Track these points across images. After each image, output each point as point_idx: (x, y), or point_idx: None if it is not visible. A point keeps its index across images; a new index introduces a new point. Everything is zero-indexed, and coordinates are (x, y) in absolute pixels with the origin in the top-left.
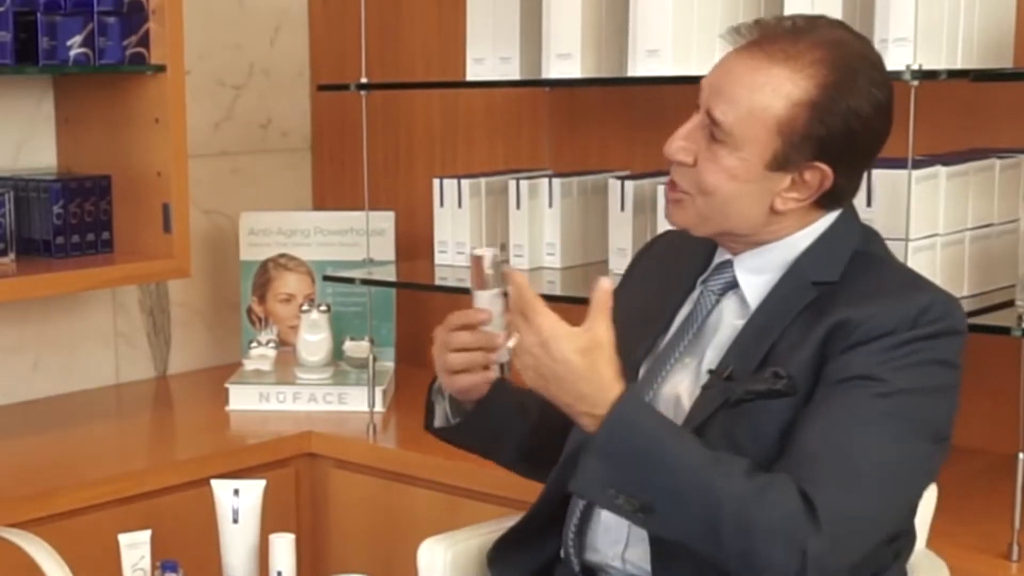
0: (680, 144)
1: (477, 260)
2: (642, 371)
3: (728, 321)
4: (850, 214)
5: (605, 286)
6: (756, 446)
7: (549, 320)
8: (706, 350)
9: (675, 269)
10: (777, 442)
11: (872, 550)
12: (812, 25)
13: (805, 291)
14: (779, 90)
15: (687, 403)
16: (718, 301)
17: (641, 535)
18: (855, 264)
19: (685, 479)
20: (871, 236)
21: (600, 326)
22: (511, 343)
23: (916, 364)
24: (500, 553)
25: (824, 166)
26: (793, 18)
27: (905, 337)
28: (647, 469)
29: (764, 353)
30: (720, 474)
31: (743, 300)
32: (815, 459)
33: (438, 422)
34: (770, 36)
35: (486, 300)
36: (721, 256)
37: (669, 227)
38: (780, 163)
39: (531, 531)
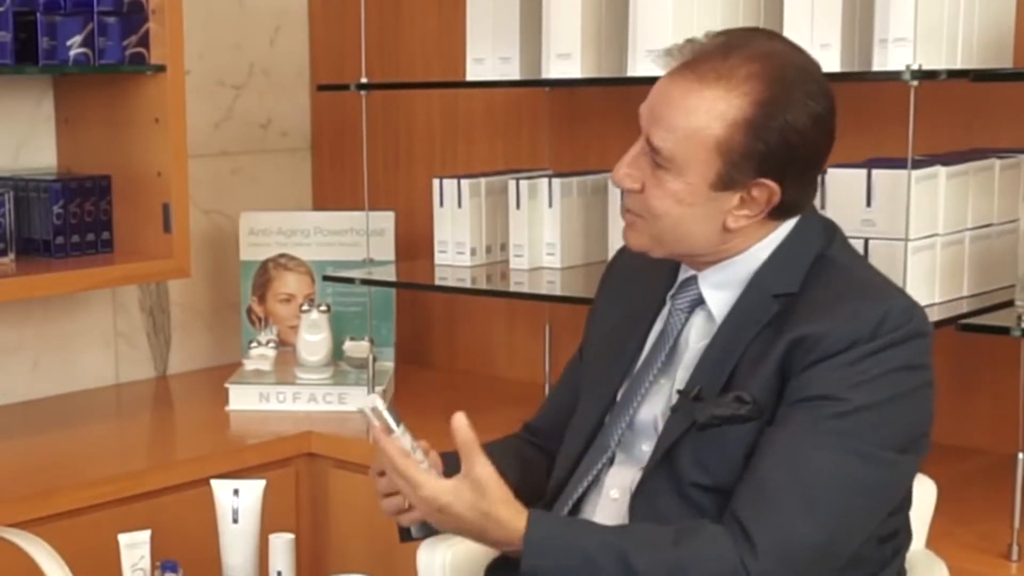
0: (625, 171)
1: (367, 414)
2: (620, 394)
3: (696, 339)
4: (808, 221)
5: (460, 424)
6: (724, 470)
7: (430, 487)
8: (678, 371)
9: (643, 285)
10: (744, 465)
11: (839, 568)
12: (744, 39)
13: (767, 305)
14: (713, 111)
15: (663, 426)
16: (687, 319)
17: None
18: (814, 272)
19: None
20: (831, 235)
21: (476, 467)
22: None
23: (878, 376)
24: (495, 573)
25: (770, 182)
26: (726, 33)
27: (865, 350)
28: None
29: (729, 371)
30: (649, 555)
31: (710, 316)
32: (766, 485)
33: (418, 532)
34: (701, 56)
35: (391, 445)
36: (685, 272)
37: None
38: (725, 183)
39: None
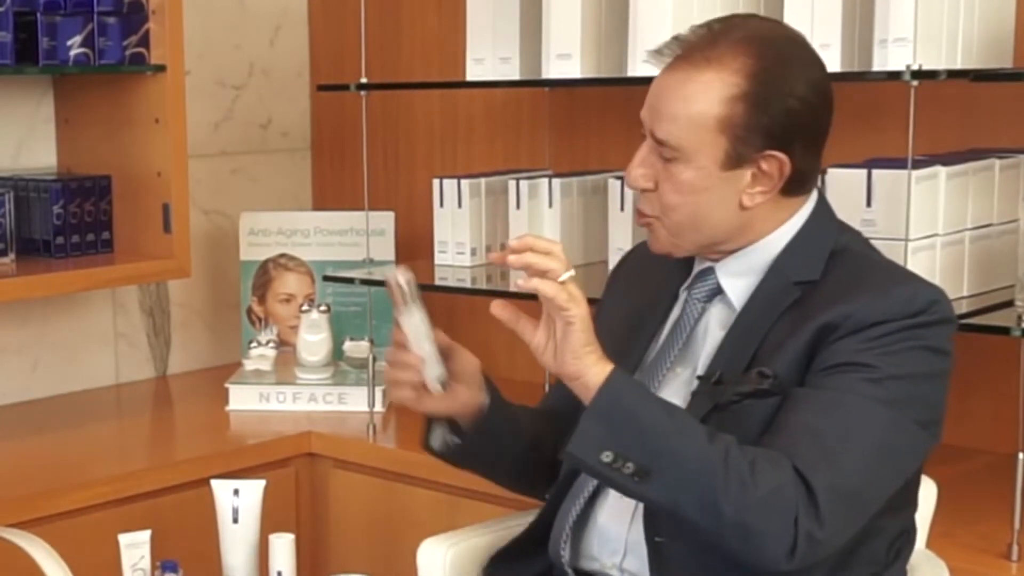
0: (639, 172)
1: (388, 284)
2: None
3: (715, 327)
4: (823, 209)
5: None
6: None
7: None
8: (698, 359)
9: (654, 280)
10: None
11: (859, 529)
12: (729, 25)
13: (788, 291)
14: (710, 93)
15: None
16: (704, 309)
17: (640, 545)
18: (835, 261)
19: (686, 442)
20: (846, 231)
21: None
22: (564, 277)
23: (905, 351)
24: (496, 568)
25: (778, 153)
26: (709, 24)
27: (893, 327)
28: (647, 431)
29: (751, 355)
30: (717, 441)
31: (729, 305)
32: (805, 437)
33: (437, 445)
34: (689, 47)
35: (403, 320)
36: (701, 263)
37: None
38: (734, 161)
39: (528, 543)
